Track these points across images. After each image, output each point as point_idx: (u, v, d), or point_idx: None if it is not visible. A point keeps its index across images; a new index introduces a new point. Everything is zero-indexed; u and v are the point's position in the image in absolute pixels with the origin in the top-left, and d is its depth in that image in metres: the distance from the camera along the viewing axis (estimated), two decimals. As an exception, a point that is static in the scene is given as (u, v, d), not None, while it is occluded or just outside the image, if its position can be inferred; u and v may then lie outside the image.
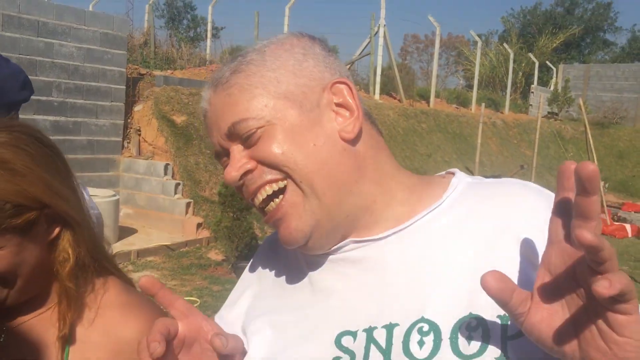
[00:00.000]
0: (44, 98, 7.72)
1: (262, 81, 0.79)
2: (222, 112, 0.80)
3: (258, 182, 0.79)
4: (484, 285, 0.59)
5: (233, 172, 0.79)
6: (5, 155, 0.87)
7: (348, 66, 18.48)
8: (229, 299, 0.96)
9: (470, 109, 18.86)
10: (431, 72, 18.37)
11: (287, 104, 0.78)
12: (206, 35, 17.41)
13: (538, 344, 0.61)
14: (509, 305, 0.60)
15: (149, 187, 8.68)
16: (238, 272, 6.71)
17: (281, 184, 0.78)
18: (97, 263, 1.00)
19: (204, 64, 14.47)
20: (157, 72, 10.52)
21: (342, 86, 0.81)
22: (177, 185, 8.55)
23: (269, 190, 0.79)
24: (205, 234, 8.13)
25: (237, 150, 0.80)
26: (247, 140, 0.79)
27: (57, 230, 0.94)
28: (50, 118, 7.83)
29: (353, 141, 0.80)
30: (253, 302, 0.89)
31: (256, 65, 0.80)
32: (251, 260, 0.99)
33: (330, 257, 0.81)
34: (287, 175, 0.78)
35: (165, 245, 7.51)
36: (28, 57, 7.50)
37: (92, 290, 0.99)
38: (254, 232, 7.19)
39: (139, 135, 9.22)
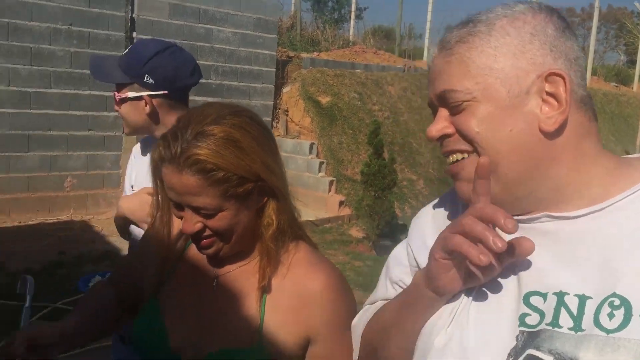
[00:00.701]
0: (203, 81, 8.28)
1: (481, 58, 0.83)
2: (438, 75, 0.88)
3: (452, 146, 0.88)
4: None
5: (433, 131, 0.89)
6: (236, 135, 1.06)
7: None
8: (398, 258, 1.06)
9: (632, 88, 17.25)
10: (588, 48, 17.05)
11: (497, 85, 0.82)
12: (350, 17, 17.61)
13: None
14: None
15: (294, 165, 9.10)
16: (379, 249, 6.87)
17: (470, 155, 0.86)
18: (292, 229, 1.18)
19: (347, 45, 14.69)
20: (304, 55, 10.90)
21: (558, 79, 0.81)
22: (321, 163, 8.87)
23: (458, 156, 0.88)
24: (346, 211, 8.37)
25: (442, 113, 0.89)
26: (453, 109, 0.86)
27: (265, 199, 1.13)
28: (209, 99, 8.46)
29: (552, 134, 0.82)
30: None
31: (481, 39, 0.84)
32: (424, 213, 1.06)
33: (521, 225, 0.83)
34: (476, 151, 0.85)
35: (310, 221, 7.87)
36: (190, 42, 8.16)
37: (286, 251, 1.17)
38: (394, 211, 7.29)
39: (287, 115, 9.67)
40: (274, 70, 9.41)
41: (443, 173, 9.80)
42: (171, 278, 1.22)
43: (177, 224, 1.18)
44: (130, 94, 1.73)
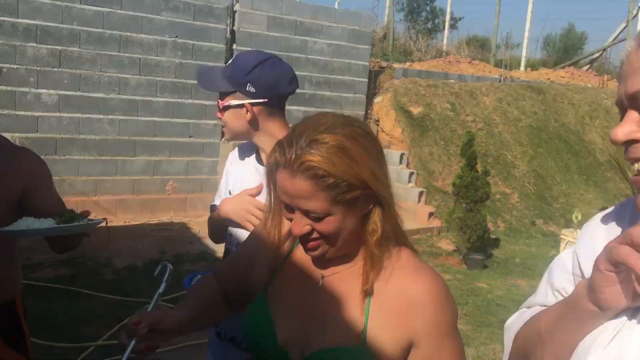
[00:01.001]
0: (298, 90, 8.51)
1: None
2: (635, 73, 0.83)
3: (637, 154, 0.83)
4: None
5: (619, 134, 0.83)
6: (347, 144, 1.11)
7: (598, 54, 16.86)
8: (562, 264, 1.03)
9: None
10: None
11: None
12: (444, 26, 17.39)
13: None
14: None
15: (385, 175, 9.10)
16: (469, 263, 6.72)
17: None
18: (396, 236, 1.22)
19: (441, 55, 14.52)
20: (396, 65, 10.90)
21: None
22: (411, 174, 8.81)
23: None
24: (436, 223, 8.26)
25: (632, 115, 0.83)
26: None
27: (371, 207, 1.17)
28: (302, 109, 8.66)
29: None
30: None
31: None
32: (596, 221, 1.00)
33: None
34: None
35: (399, 231, 7.82)
36: (287, 53, 8.40)
37: (389, 256, 1.21)
38: (486, 225, 7.10)
39: (377, 125, 9.69)
40: (367, 80, 9.47)
41: (539, 188, 9.44)
42: (278, 277, 1.29)
43: (286, 226, 1.25)
44: (233, 102, 1.82)
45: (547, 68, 15.69)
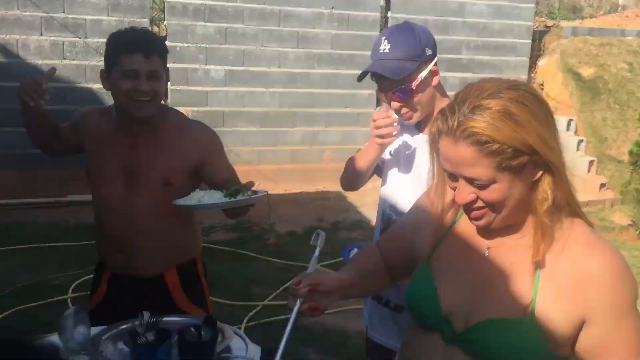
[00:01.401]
0: (453, 56, 8.29)
1: None
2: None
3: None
4: None
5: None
6: (512, 108, 1.07)
7: None
8: None
9: None
10: None
11: None
12: (621, -23, 15.64)
13: None
14: None
15: (549, 143, 8.53)
16: (648, 239, 6.10)
17: None
18: (569, 206, 1.15)
19: (616, 10, 13.09)
20: (564, 23, 10.06)
21: None
22: (580, 141, 8.16)
23: None
24: (609, 194, 7.59)
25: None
26: None
27: (540, 173, 1.11)
28: (459, 75, 8.34)
29: None
30: None
31: None
32: None
33: None
34: None
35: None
36: (443, 18, 8.13)
37: (561, 227, 1.14)
38: (670, 197, 6.37)
39: (542, 89, 9.06)
40: (530, 42, 8.86)
41: None
42: (442, 247, 1.27)
43: (450, 195, 1.22)
44: (424, 74, 1.76)
45: None
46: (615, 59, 9.01)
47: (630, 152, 6.32)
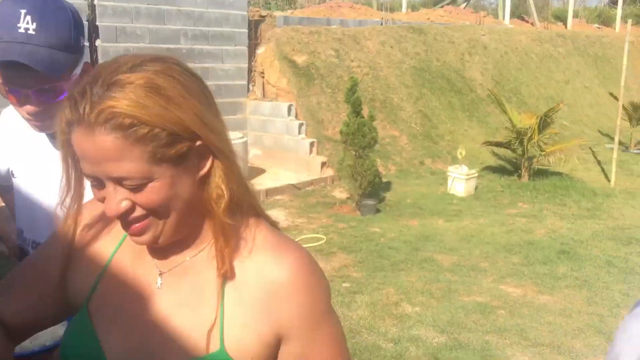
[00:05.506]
0: (172, 46, 8.06)
1: None
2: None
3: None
4: None
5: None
6: (160, 81, 0.84)
7: (474, -9, 17.29)
8: None
9: (614, 28, 17.00)
10: (569, -10, 16.68)
11: None
12: (325, -29, 17.11)
13: None
14: None
15: (274, 129, 8.89)
16: (362, 209, 6.75)
17: None
18: (248, 201, 0.97)
19: (324, 1, 14.27)
20: (277, 13, 10.55)
21: None
22: (301, 125, 8.67)
23: None
24: (329, 172, 8.22)
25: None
26: None
27: (208, 165, 0.90)
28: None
29: None
30: None
31: None
32: None
33: None
34: None
35: (292, 185, 7.71)
36: (156, 6, 7.81)
37: (246, 229, 0.97)
38: (377, 169, 7.14)
39: (263, 77, 9.40)
40: (246, 31, 9.09)
41: (426, 128, 9.64)
42: (103, 283, 1.00)
43: (100, 210, 0.97)
44: (78, 70, 1.40)
45: (427, 8, 15.92)
46: (323, 46, 9.77)
47: (341, 132, 6.87)
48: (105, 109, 0.81)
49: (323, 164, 8.34)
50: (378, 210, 6.84)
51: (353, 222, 6.41)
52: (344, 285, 4.61)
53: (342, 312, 4.09)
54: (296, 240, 5.66)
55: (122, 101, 0.81)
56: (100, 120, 0.81)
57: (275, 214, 6.73)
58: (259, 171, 8.39)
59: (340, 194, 7.52)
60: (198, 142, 0.87)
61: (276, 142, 8.86)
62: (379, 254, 5.39)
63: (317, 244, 5.66)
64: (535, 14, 15.58)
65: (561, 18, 16.66)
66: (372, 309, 4.16)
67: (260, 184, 7.69)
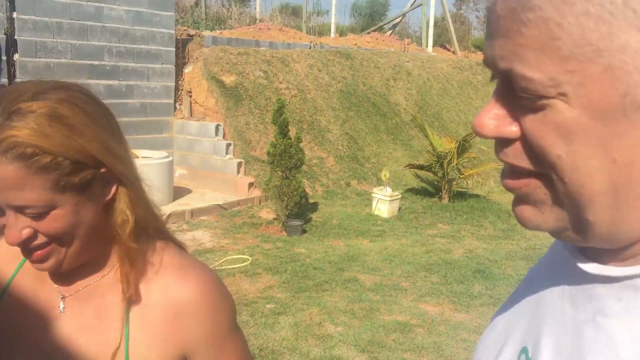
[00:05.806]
0: (96, 62, 7.88)
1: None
2: (499, 33, 0.50)
3: (511, 160, 0.54)
4: None
5: (485, 126, 0.55)
6: (63, 110, 0.85)
7: (399, 19, 17.94)
8: None
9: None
10: (487, 22, 17.61)
11: (607, 78, 0.47)
12: (256, -7, 17.26)
13: None
14: None
15: (201, 148, 8.82)
16: (289, 230, 6.79)
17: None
18: (154, 226, 0.99)
19: (254, 23, 14.37)
20: (206, 33, 10.53)
21: None
22: (228, 145, 8.65)
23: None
24: (257, 193, 8.23)
25: (498, 97, 0.54)
26: (523, 101, 0.51)
27: (112, 191, 0.92)
28: (103, 82, 7.99)
29: None
30: None
31: None
32: None
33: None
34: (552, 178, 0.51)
35: (218, 205, 7.66)
36: (80, 22, 7.63)
37: (153, 253, 0.99)
38: (303, 190, 7.22)
39: (190, 96, 9.32)
40: (174, 49, 9.01)
41: (352, 150, 9.84)
42: (1, 309, 0.99)
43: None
44: None
45: (355, 34, 16.35)
46: (252, 67, 9.83)
47: (268, 153, 6.92)
48: (6, 138, 0.81)
49: (250, 185, 8.34)
50: (304, 231, 6.91)
51: (279, 243, 6.44)
52: (267, 306, 4.63)
53: (265, 333, 4.10)
54: (221, 261, 5.66)
55: (24, 130, 0.81)
56: (1, 149, 0.82)
57: (201, 234, 6.66)
58: (185, 191, 8.28)
59: (267, 214, 7.53)
60: (102, 169, 0.89)
61: (203, 162, 8.78)
62: (304, 274, 5.44)
63: (242, 264, 5.64)
64: (456, 43, 16.32)
65: (481, 48, 17.53)
66: (295, 330, 4.19)
67: (186, 204, 7.59)
